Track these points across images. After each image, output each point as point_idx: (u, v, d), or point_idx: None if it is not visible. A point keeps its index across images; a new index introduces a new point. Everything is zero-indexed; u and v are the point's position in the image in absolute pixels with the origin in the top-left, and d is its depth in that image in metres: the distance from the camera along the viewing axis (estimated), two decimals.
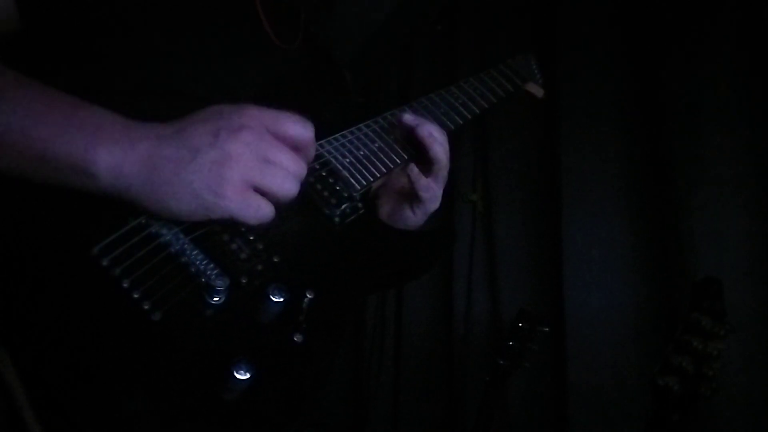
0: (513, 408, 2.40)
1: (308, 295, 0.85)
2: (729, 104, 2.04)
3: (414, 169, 1.08)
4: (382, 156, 1.09)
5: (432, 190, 1.10)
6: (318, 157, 1.00)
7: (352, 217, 1.01)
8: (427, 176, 1.09)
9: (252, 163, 0.77)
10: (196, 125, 0.77)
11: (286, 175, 0.80)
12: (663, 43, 2.21)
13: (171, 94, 0.91)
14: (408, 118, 1.09)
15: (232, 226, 0.83)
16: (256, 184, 0.78)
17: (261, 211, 0.78)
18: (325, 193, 0.99)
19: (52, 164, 0.72)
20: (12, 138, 0.71)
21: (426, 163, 1.10)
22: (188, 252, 0.78)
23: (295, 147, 0.83)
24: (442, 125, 1.20)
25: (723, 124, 2.04)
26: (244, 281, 0.81)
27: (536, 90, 1.45)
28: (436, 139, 1.08)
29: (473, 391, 2.47)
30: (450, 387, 2.71)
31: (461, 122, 1.25)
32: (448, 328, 2.76)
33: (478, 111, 1.28)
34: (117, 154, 0.73)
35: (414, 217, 1.13)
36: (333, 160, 1.03)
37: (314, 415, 0.85)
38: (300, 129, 0.83)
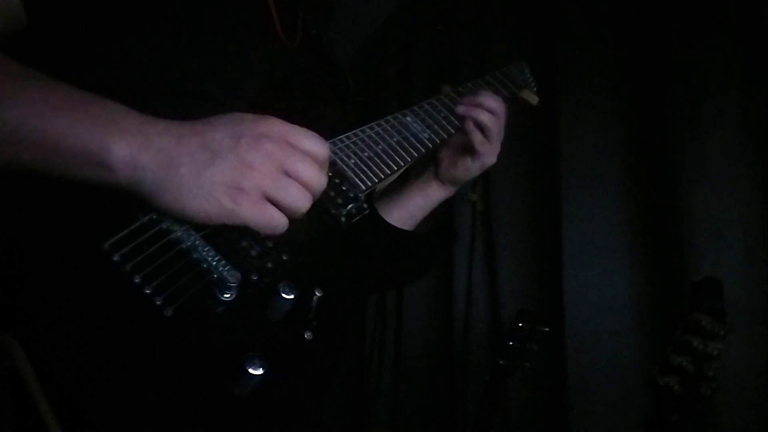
0: (513, 408, 2.41)
1: (317, 293, 0.86)
2: (729, 104, 2.04)
3: (471, 129, 1.27)
4: (385, 158, 1.12)
5: (486, 146, 1.28)
6: None
7: (358, 218, 1.02)
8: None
9: (270, 175, 0.77)
10: (217, 128, 0.78)
11: (300, 190, 0.80)
12: (663, 43, 2.21)
13: (177, 92, 0.92)
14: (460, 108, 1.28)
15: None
16: (272, 196, 0.78)
17: (274, 222, 0.79)
18: (332, 193, 1.00)
19: (66, 157, 0.72)
20: (26, 131, 0.71)
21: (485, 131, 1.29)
22: (200, 248, 0.78)
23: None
24: (444, 130, 1.25)
25: (723, 124, 2.04)
26: (254, 278, 0.81)
27: (531, 97, 1.46)
28: (483, 109, 1.26)
29: (473, 391, 2.48)
30: (450, 387, 2.71)
31: (461, 126, 1.29)
32: (448, 328, 2.76)
33: None
34: (134, 147, 0.73)
35: (473, 166, 1.31)
36: (339, 161, 1.04)
37: (316, 415, 0.86)
38: (318, 147, 0.83)
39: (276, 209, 0.79)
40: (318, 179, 0.82)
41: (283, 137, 0.80)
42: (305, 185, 0.81)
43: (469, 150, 1.30)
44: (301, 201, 0.80)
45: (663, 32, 2.22)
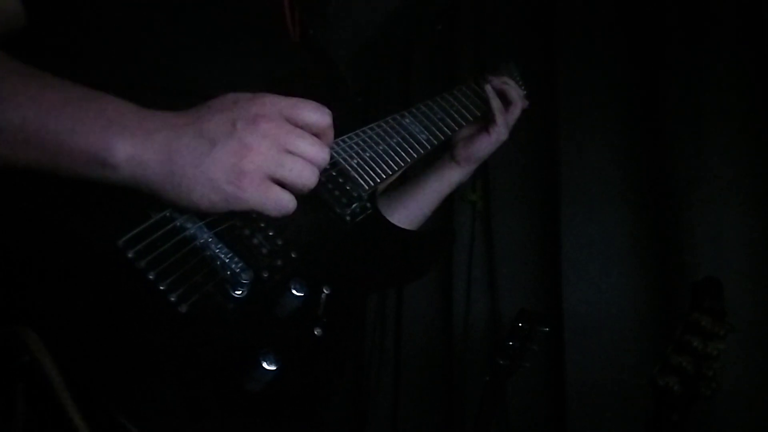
0: (513, 408, 2.41)
1: (325, 291, 0.87)
2: (729, 104, 2.05)
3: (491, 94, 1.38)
4: (386, 158, 1.14)
5: (503, 116, 1.38)
6: None
7: (361, 217, 1.04)
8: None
9: (270, 155, 0.76)
10: (212, 114, 0.76)
11: (305, 165, 0.79)
12: (663, 42, 2.22)
13: (180, 92, 0.91)
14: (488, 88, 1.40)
15: (253, 221, 0.84)
16: (276, 176, 0.77)
17: (281, 202, 0.77)
18: (336, 193, 1.01)
19: (69, 156, 0.72)
20: (28, 131, 0.71)
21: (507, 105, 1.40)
22: (212, 246, 0.78)
23: (314, 134, 0.82)
24: (440, 131, 1.29)
25: (723, 124, 2.05)
26: (265, 275, 0.82)
27: None
28: (511, 86, 1.42)
29: (473, 391, 2.48)
30: (450, 387, 2.71)
31: (456, 128, 1.33)
32: (448, 328, 2.77)
33: (471, 118, 1.37)
34: (136, 144, 0.73)
35: (489, 141, 1.38)
36: (342, 161, 1.06)
37: (326, 409, 0.87)
38: (318, 115, 0.82)
39: (281, 189, 0.77)
40: (321, 151, 0.80)
41: (280, 114, 0.78)
42: (309, 160, 0.79)
43: (484, 125, 1.38)
44: (306, 175, 0.78)
45: (663, 34, 2.23)
